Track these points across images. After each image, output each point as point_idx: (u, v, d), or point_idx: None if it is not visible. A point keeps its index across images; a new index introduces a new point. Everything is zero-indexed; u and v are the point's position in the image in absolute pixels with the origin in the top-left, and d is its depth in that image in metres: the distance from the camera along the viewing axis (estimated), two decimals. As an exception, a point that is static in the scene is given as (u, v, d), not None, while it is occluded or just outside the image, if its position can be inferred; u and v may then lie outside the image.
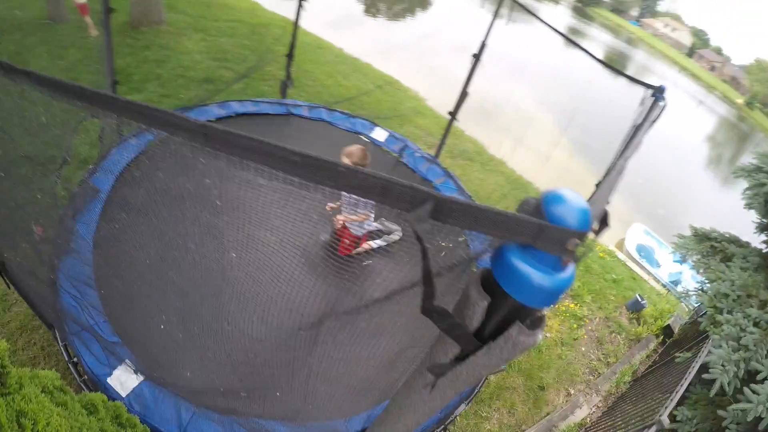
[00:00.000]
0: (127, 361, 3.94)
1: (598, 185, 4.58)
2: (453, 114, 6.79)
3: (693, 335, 5.90)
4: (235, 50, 9.92)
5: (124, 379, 3.82)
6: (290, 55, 7.23)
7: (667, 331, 6.91)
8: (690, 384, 4.71)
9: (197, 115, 6.60)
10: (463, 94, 6.50)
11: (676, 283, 10.16)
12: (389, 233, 5.89)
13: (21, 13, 9.94)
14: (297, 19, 6.86)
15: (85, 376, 3.94)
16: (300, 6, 6.66)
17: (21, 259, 3.53)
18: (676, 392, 4.45)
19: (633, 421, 4.67)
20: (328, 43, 12.31)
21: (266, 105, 7.24)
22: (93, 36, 9.12)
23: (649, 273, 9.59)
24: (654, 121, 4.00)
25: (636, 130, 4.11)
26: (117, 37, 9.21)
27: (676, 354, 5.41)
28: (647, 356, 6.61)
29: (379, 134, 7.33)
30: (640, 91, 4.33)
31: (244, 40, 10.52)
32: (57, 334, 4.03)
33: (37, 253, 4.27)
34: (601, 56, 5.45)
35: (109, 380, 3.81)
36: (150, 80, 8.22)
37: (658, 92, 4.04)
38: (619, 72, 5.01)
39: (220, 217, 4.45)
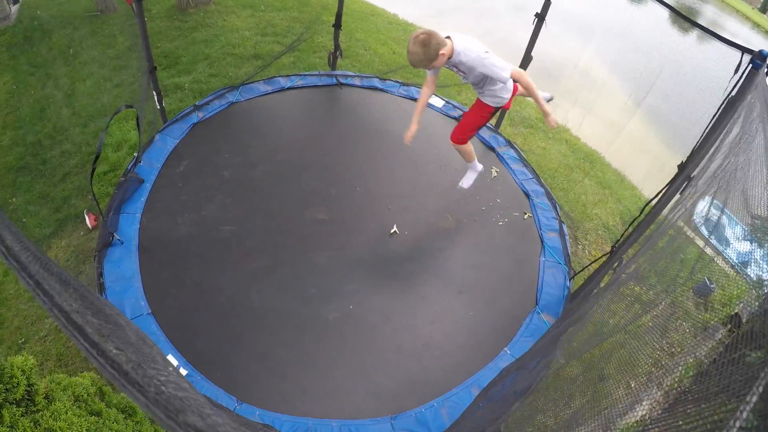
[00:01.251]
0: (170, 355, 3.80)
1: (680, 166, 3.98)
2: (516, 80, 6.25)
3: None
4: (285, 23, 9.63)
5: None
6: (337, 25, 6.86)
7: (735, 319, 6.15)
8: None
9: (243, 93, 6.38)
10: (527, 59, 5.94)
11: (745, 264, 9.14)
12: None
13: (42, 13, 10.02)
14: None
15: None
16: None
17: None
18: (746, 404, 3.86)
19: (695, 425, 4.14)
20: (381, 10, 11.79)
21: (314, 77, 6.94)
22: (142, 21, 9.06)
23: (718, 252, 8.72)
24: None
25: (731, 104, 3.49)
26: (165, 21, 9.16)
27: (746, 351, 4.77)
28: (713, 348, 5.94)
29: (436, 101, 6.94)
30: (727, 54, 3.66)
31: (293, 12, 10.20)
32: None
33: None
34: (666, 14, 4.69)
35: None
36: (198, 61, 8.04)
37: (758, 58, 3.29)
38: (708, 31, 4.07)
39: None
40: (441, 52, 3.78)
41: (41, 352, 4.36)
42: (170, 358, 3.80)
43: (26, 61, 8.66)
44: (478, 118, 4.59)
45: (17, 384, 2.12)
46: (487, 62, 3.86)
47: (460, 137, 4.78)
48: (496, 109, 4.47)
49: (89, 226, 5.31)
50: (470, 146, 4.95)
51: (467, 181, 5.28)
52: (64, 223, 5.43)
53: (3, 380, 2.06)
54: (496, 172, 5.98)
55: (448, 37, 3.90)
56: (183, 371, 3.75)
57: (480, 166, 5.22)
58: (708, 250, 8.03)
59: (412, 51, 3.77)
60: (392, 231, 5.10)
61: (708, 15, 33.75)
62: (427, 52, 3.75)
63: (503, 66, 3.91)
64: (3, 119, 7.38)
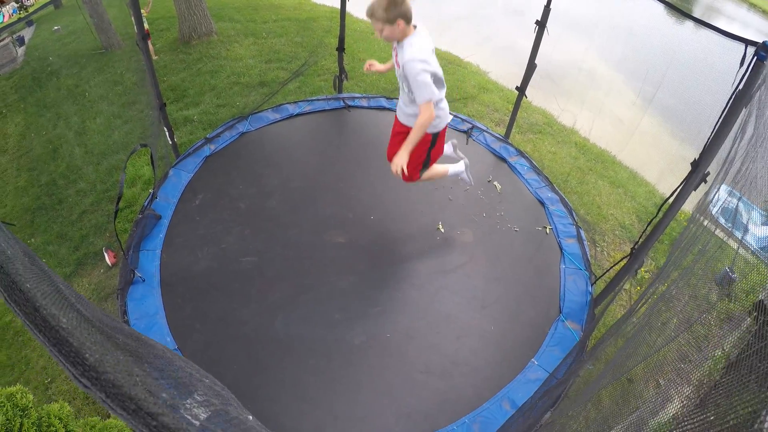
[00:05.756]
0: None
1: (694, 164, 3.97)
2: (521, 89, 6.27)
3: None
4: (287, 49, 9.72)
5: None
6: (341, 48, 6.91)
7: (761, 306, 6.03)
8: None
9: (252, 123, 6.43)
10: (531, 67, 5.96)
11: (766, 249, 8.91)
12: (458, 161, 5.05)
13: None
14: (343, 9, 6.55)
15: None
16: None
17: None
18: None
19: (728, 417, 4.08)
20: (381, 28, 11.88)
21: (322, 102, 6.99)
22: (155, 59, 9.15)
23: (736, 239, 8.55)
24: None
25: (739, 98, 3.46)
26: (169, 55, 9.27)
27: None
28: (740, 338, 5.85)
29: (444, 116, 6.97)
30: (731, 46, 3.57)
31: (295, 37, 10.31)
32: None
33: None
34: (659, 2, 4.61)
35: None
36: (205, 92, 8.12)
37: (762, 50, 3.19)
38: (707, 24, 3.94)
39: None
40: (399, 23, 3.50)
41: (68, 391, 4.38)
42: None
43: (36, 102, 8.78)
44: (417, 149, 4.06)
45: (55, 431, 2.15)
46: (412, 70, 3.54)
47: (411, 177, 4.33)
48: (433, 136, 4.14)
49: (109, 263, 5.35)
50: (434, 170, 4.61)
51: (465, 177, 5.03)
52: (83, 261, 5.47)
53: (42, 429, 2.09)
54: (500, 187, 5.96)
55: (414, 26, 3.64)
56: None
57: (459, 167, 4.92)
58: (726, 238, 7.90)
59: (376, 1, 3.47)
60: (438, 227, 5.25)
61: (704, 0, 33.49)
62: (385, 13, 3.44)
63: (424, 88, 3.59)
64: (17, 161, 7.48)
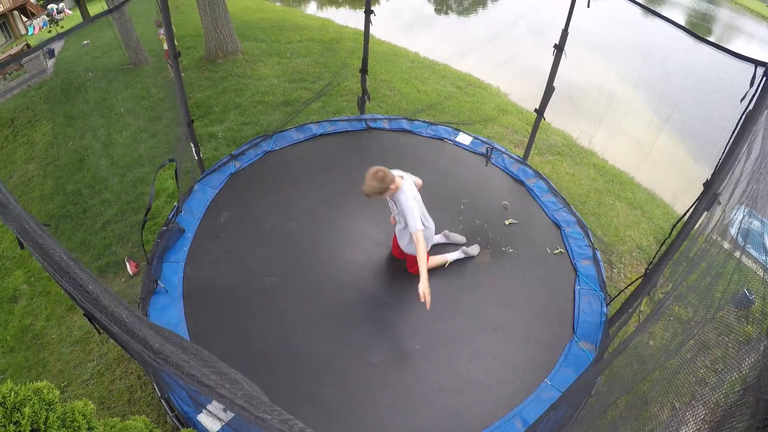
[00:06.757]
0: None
1: (706, 184, 3.98)
2: (540, 112, 6.32)
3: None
4: (311, 69, 9.89)
5: (213, 417, 3.74)
6: (364, 70, 7.02)
7: None
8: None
9: (277, 141, 6.54)
10: (549, 90, 6.01)
11: None
12: (460, 244, 5.55)
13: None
14: (366, 33, 6.65)
15: (177, 412, 3.91)
16: (368, 20, 6.44)
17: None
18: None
19: None
20: (403, 49, 12.06)
21: (344, 122, 7.08)
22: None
23: (756, 261, 8.39)
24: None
25: (749, 118, 3.48)
26: (195, 72, 9.45)
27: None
28: (757, 360, 5.77)
29: (464, 138, 7.02)
30: (743, 67, 3.49)
31: (318, 58, 10.49)
32: (148, 371, 4.03)
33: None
34: (683, 22, 4.64)
35: (198, 417, 3.75)
36: (230, 110, 8.28)
37: None
38: (718, 47, 3.94)
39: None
40: (392, 186, 4.30)
41: (84, 395, 4.44)
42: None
43: (64, 112, 8.96)
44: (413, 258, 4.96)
45: (78, 428, 2.21)
46: (407, 207, 4.33)
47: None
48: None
49: (130, 273, 5.44)
50: (434, 261, 5.21)
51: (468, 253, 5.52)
52: (105, 270, 5.56)
53: (66, 423, 2.15)
54: (509, 221, 5.99)
55: (401, 176, 4.47)
56: (230, 414, 3.81)
57: (456, 255, 5.43)
58: (745, 260, 7.78)
59: (369, 184, 4.25)
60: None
61: (723, 18, 33.19)
62: (382, 186, 4.23)
63: (415, 218, 4.32)
64: (44, 169, 7.63)
